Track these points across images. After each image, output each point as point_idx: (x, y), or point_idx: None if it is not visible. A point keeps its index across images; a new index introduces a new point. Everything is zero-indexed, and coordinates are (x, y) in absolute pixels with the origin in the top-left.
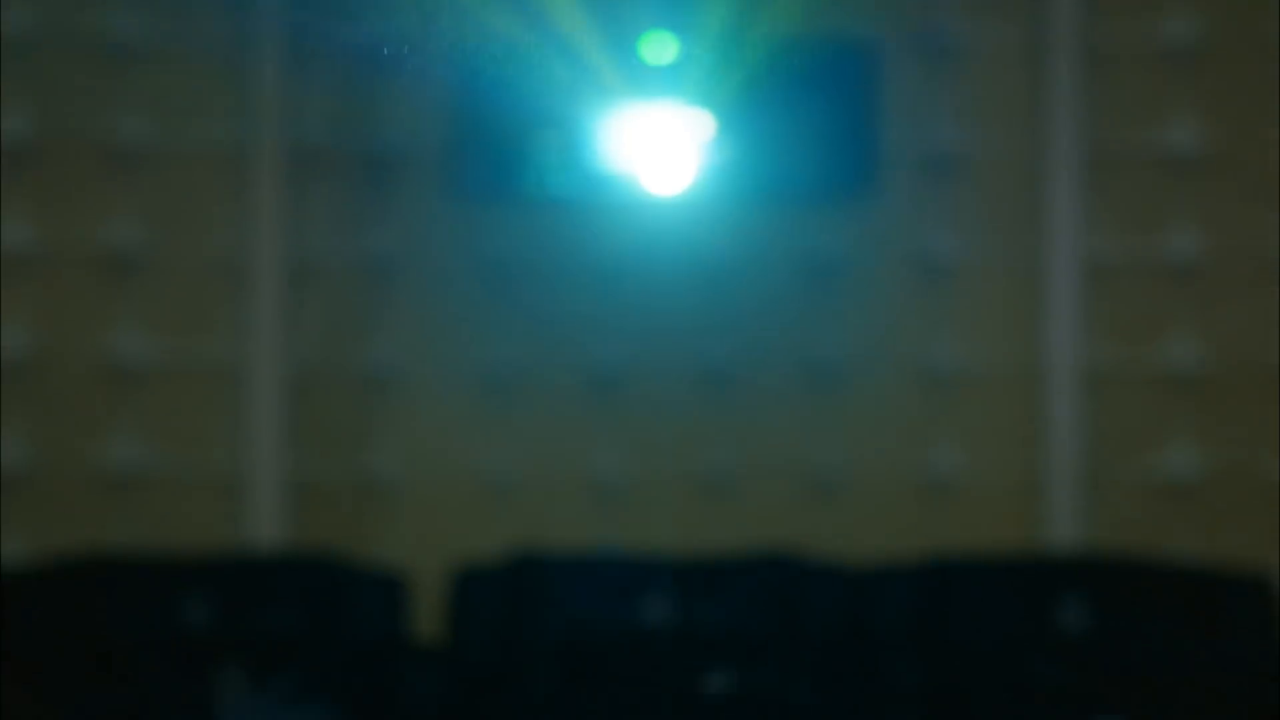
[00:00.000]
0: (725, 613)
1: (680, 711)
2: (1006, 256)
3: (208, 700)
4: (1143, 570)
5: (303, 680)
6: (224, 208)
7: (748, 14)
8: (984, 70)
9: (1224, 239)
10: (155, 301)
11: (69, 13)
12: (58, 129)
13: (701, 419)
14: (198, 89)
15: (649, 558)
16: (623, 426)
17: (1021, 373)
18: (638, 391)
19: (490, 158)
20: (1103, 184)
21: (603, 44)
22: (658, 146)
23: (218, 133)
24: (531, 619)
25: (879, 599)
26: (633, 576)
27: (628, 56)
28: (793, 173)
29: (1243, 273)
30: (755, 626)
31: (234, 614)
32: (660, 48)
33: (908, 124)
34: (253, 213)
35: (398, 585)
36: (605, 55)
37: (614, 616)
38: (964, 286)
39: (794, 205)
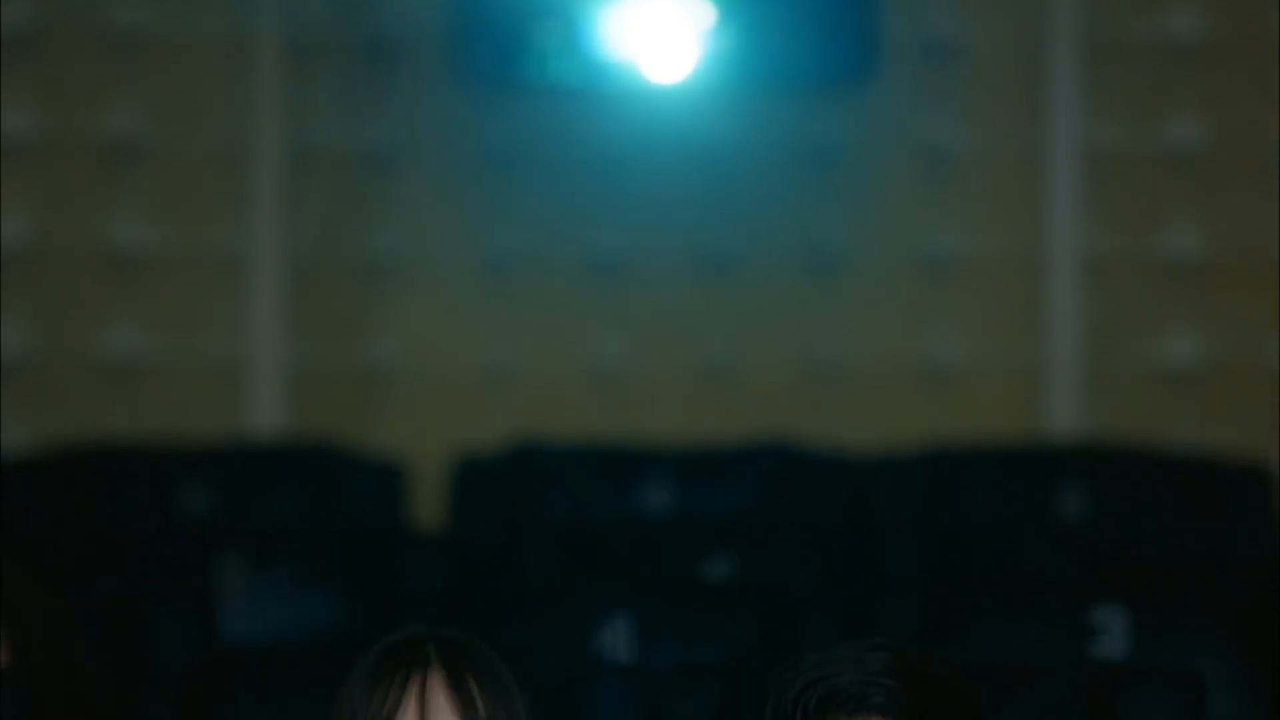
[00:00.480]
0: (724, 501)
1: (680, 596)
2: (1007, 144)
3: (207, 586)
4: (1142, 459)
5: (302, 567)
6: (225, 95)
7: None
8: None
9: (1226, 126)
10: (156, 189)
11: None
12: (58, 16)
13: (702, 307)
14: None
15: (648, 446)
16: (623, 314)
17: (1021, 261)
18: (638, 280)
19: (492, 45)
20: (1104, 71)
21: None
22: (659, 34)
23: (219, 20)
24: (531, 507)
25: (878, 487)
26: (632, 465)
27: None
28: (793, 60)
29: (1244, 161)
30: (755, 514)
31: (233, 502)
32: None
33: (908, 10)
34: (254, 100)
35: (397, 473)
36: None
37: (613, 505)
38: (964, 174)
39: (794, 92)
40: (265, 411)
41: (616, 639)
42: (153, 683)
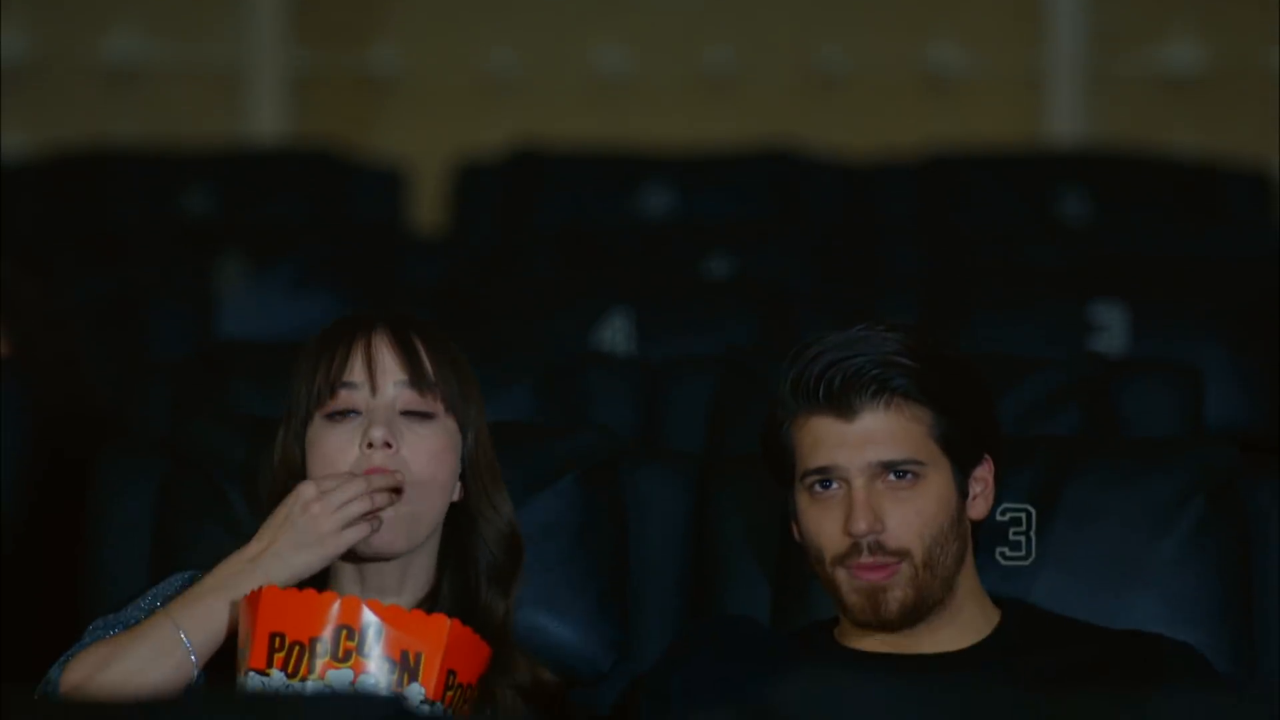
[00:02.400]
0: (724, 205)
1: (679, 292)
2: None
3: (208, 287)
4: (1142, 163)
5: (302, 267)
6: None
7: None
8: None
9: None
10: None
11: None
12: None
13: (703, 13)
14: None
15: (649, 151)
16: (625, 20)
17: None
18: None
19: None
20: None
21: None
22: None
23: None
24: (531, 211)
25: (879, 192)
26: (633, 169)
27: None
28: None
29: None
30: (754, 218)
31: (234, 205)
32: None
33: None
34: None
35: (398, 178)
36: None
37: (614, 209)
38: None
39: None
40: (267, 116)
41: (615, 334)
42: (149, 373)
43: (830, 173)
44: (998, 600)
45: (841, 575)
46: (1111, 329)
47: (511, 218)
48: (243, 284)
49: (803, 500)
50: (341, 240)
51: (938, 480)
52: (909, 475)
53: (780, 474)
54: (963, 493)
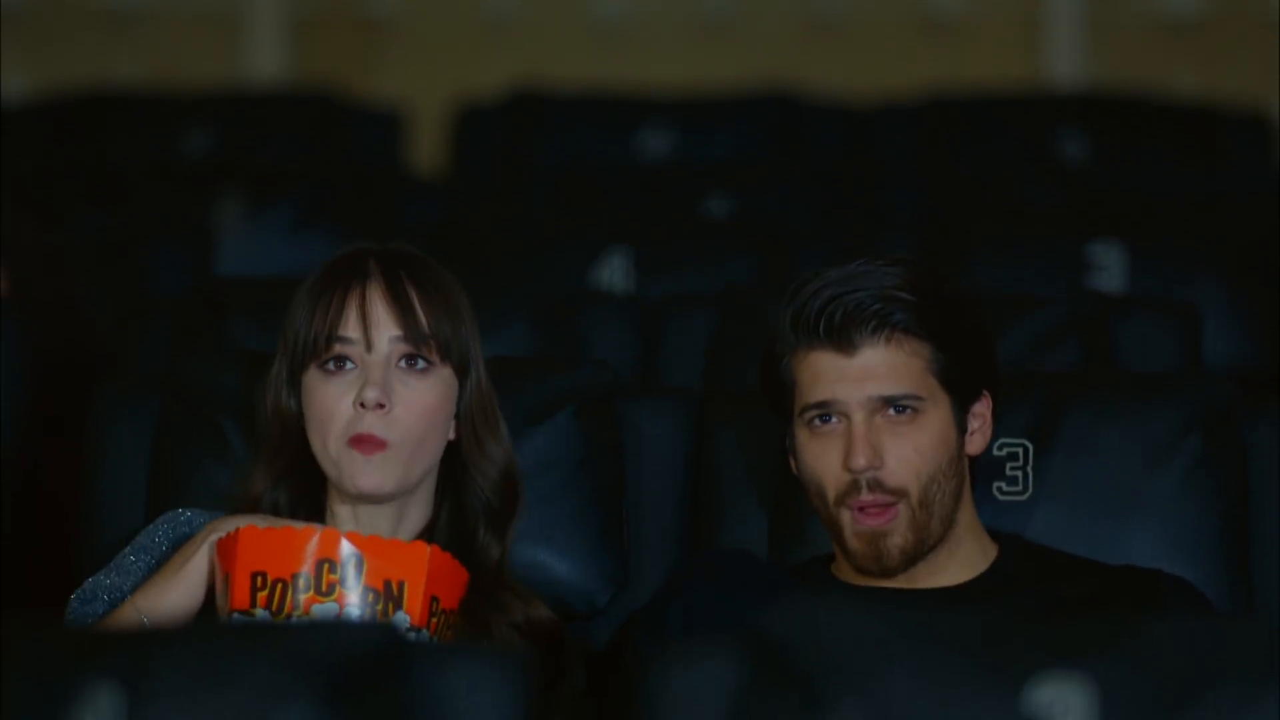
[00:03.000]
0: (723, 148)
1: (678, 232)
2: None
3: (207, 228)
4: (1142, 105)
5: (300, 208)
6: None
7: None
8: None
9: None
10: None
11: None
12: None
13: None
14: None
15: (649, 93)
16: None
17: None
18: None
19: None
20: None
21: None
22: None
23: None
24: (530, 153)
25: (878, 134)
26: (632, 111)
27: None
28: None
29: None
30: (754, 160)
31: (233, 147)
32: None
33: None
34: None
35: (397, 120)
36: None
37: (613, 151)
38: None
39: None
40: (266, 58)
41: (614, 273)
42: (148, 311)
43: (830, 115)
44: (995, 535)
45: (845, 518)
46: (1110, 269)
47: (510, 160)
48: (242, 225)
49: (801, 435)
50: (340, 182)
51: (937, 415)
52: (908, 410)
53: (779, 409)
54: (961, 428)
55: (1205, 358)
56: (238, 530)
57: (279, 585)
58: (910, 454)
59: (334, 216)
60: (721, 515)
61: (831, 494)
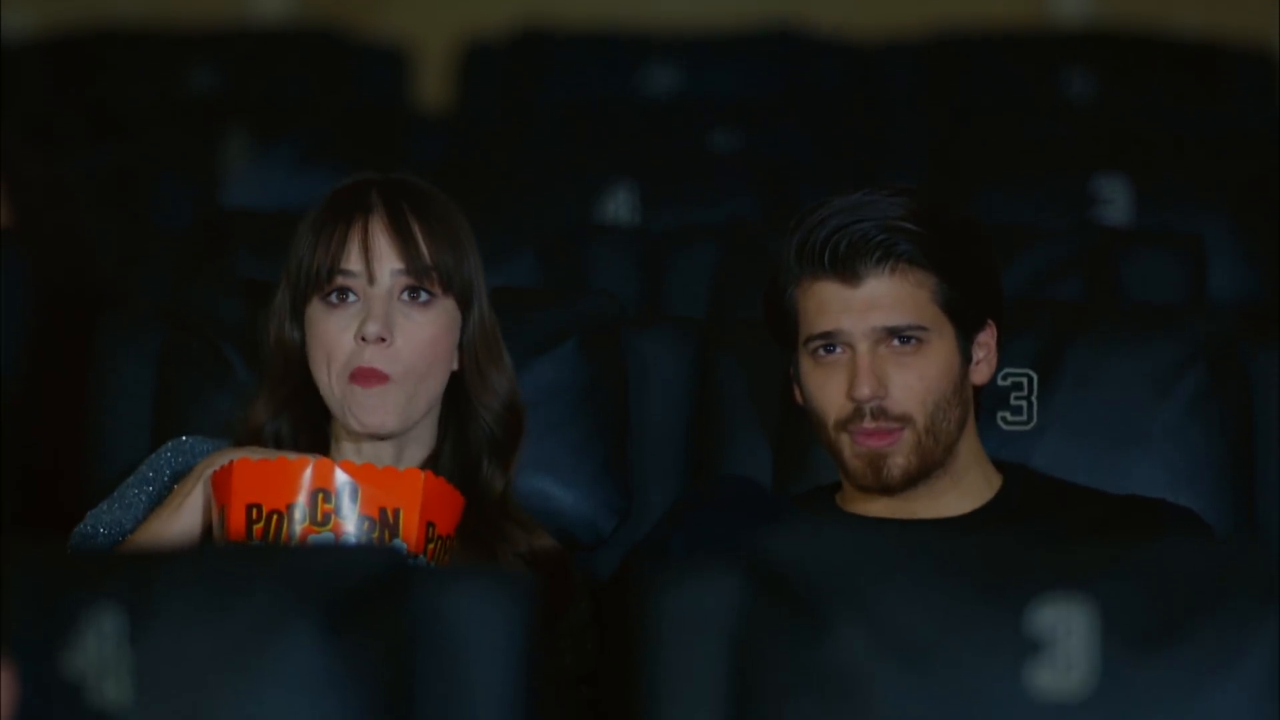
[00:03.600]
0: (729, 84)
1: (683, 166)
2: None
3: (213, 163)
4: (1146, 41)
5: (306, 144)
6: None
7: None
8: None
9: None
10: None
11: None
12: None
13: None
14: None
15: (654, 30)
16: None
17: None
18: None
19: None
20: None
21: None
22: None
23: None
24: (536, 89)
25: (884, 70)
26: (637, 48)
27: None
28: None
29: None
30: (759, 96)
31: (239, 83)
32: None
33: None
34: None
35: (403, 57)
36: None
37: (619, 88)
38: None
39: None
40: None
41: (619, 207)
42: (152, 242)
43: (835, 51)
44: (999, 465)
45: (844, 440)
46: (1115, 202)
47: (516, 97)
48: (247, 161)
49: (806, 364)
50: (346, 119)
51: (941, 345)
52: (913, 340)
53: (783, 338)
54: (966, 358)
55: (1210, 291)
56: (231, 463)
57: (274, 516)
58: (914, 382)
59: (339, 154)
60: (725, 445)
61: (832, 420)
